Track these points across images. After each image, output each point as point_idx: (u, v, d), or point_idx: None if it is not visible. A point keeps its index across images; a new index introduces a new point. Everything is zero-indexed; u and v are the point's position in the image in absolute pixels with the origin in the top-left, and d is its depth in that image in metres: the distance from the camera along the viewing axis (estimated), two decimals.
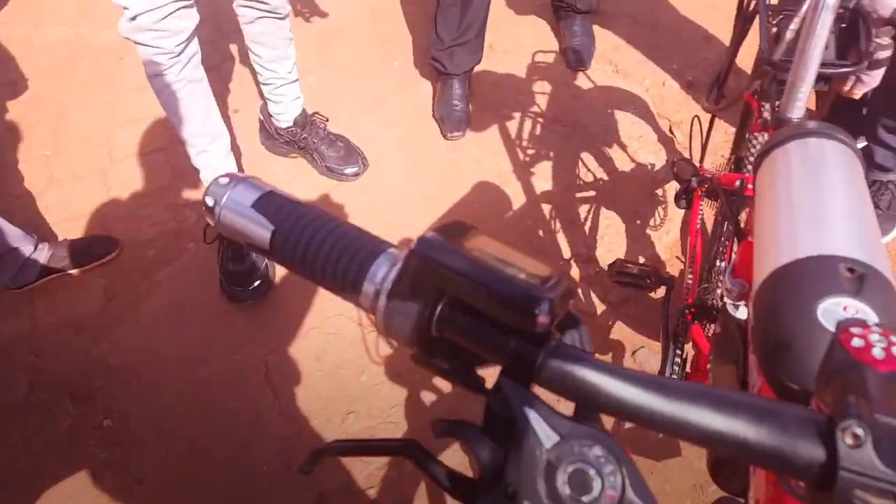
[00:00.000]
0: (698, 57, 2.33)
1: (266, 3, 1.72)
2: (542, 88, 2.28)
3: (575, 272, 1.81)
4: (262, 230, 0.45)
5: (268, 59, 1.87)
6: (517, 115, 2.20)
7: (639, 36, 2.41)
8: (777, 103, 1.04)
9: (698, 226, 1.46)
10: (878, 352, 0.34)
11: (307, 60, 2.32)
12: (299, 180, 2.10)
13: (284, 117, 2.04)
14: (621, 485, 0.35)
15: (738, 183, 1.11)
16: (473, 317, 0.39)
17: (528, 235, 1.90)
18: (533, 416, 0.37)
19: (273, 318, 1.79)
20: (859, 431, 0.31)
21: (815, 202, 0.66)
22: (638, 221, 1.91)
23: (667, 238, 1.88)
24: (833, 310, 0.53)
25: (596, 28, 2.40)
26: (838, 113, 1.53)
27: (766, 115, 1.10)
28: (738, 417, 0.34)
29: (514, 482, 0.36)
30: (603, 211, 1.92)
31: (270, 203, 0.46)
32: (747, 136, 1.26)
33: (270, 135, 2.12)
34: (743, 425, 0.34)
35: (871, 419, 0.31)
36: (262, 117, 2.13)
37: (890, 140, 1.71)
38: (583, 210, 1.93)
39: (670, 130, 2.14)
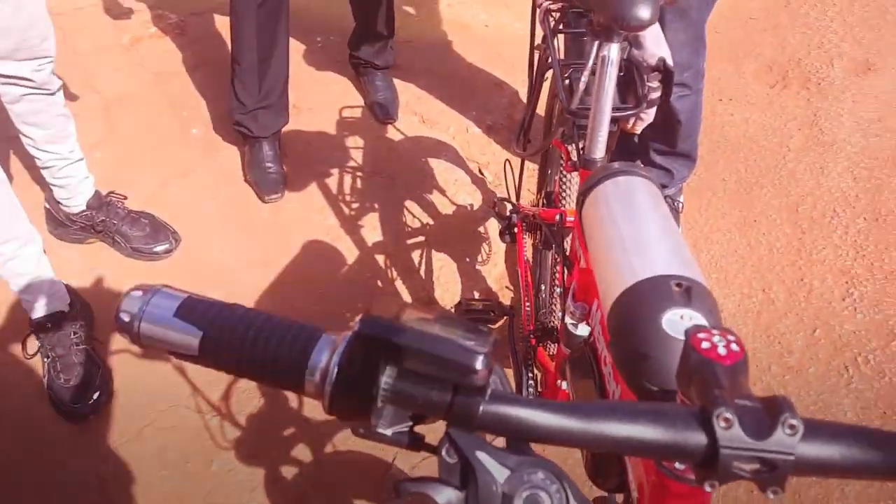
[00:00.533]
0: (493, 103, 2.60)
1: (31, 80, 1.61)
2: (355, 143, 2.39)
3: None
4: (189, 338, 0.47)
5: (43, 141, 1.75)
6: (335, 171, 2.28)
7: (437, 87, 2.62)
8: (581, 145, 1.24)
9: (526, 258, 1.63)
10: (721, 350, 0.45)
11: (91, 135, 2.21)
12: (103, 266, 1.98)
13: (74, 202, 1.91)
14: (566, 498, 0.43)
15: (557, 217, 1.28)
16: (417, 383, 0.44)
17: (368, 287, 1.97)
18: (484, 458, 0.43)
19: (97, 424, 1.66)
20: (729, 415, 0.40)
21: (636, 231, 0.83)
22: (467, 259, 2.07)
23: (495, 270, 2.05)
24: (674, 320, 0.67)
25: (396, 81, 2.57)
26: (619, 144, 1.82)
27: (573, 156, 1.29)
28: (638, 423, 0.43)
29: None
30: (434, 254, 2.06)
31: (193, 309, 0.48)
32: (560, 174, 1.45)
33: (61, 222, 1.98)
34: (642, 429, 0.42)
35: (733, 404, 0.41)
36: (48, 206, 1.98)
37: (661, 161, 2.05)
38: (415, 256, 2.05)
39: (480, 172, 2.35)
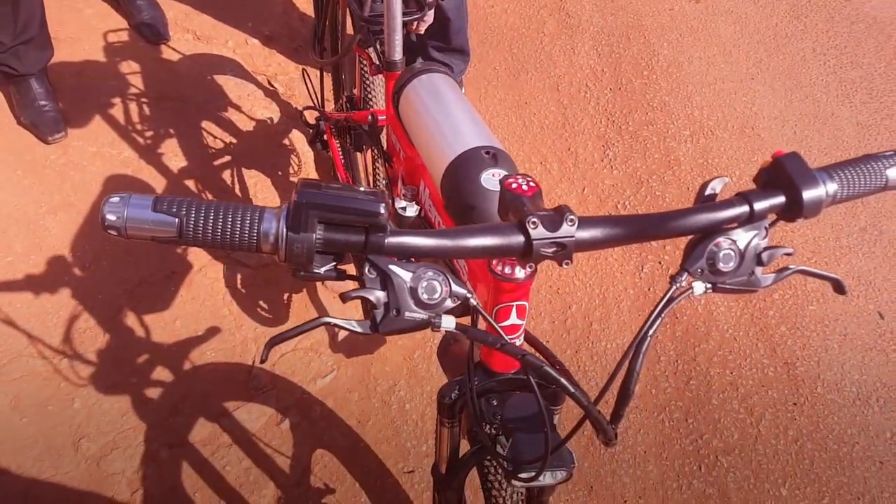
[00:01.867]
0: (267, 12, 2.81)
1: None
2: (130, 69, 2.49)
3: None
4: (168, 226, 0.64)
5: None
6: (117, 100, 2.38)
7: (204, 1, 2.76)
8: (381, 50, 1.58)
9: (342, 159, 1.97)
10: (525, 187, 0.78)
11: None
12: None
13: None
14: (448, 282, 0.78)
15: (370, 117, 1.63)
16: (340, 232, 0.67)
17: None
18: (395, 268, 0.74)
19: None
20: (535, 220, 0.74)
21: (447, 117, 1.23)
22: (279, 172, 2.35)
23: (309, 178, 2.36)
24: (488, 178, 1.07)
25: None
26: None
27: (375, 60, 1.63)
28: (483, 236, 0.74)
29: (395, 306, 0.74)
30: (245, 171, 2.30)
31: (165, 203, 0.66)
32: (364, 79, 1.78)
33: None
34: (486, 239, 0.74)
35: (537, 214, 0.75)
36: None
37: (440, 58, 2.46)
38: (226, 176, 2.29)
39: (269, 84, 2.59)
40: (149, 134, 2.33)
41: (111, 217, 0.64)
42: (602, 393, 0.78)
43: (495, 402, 1.01)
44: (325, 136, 2.05)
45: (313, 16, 2.87)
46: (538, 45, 2.95)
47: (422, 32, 1.70)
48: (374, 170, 1.86)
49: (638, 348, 0.78)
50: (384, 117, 1.61)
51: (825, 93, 2.90)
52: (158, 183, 2.22)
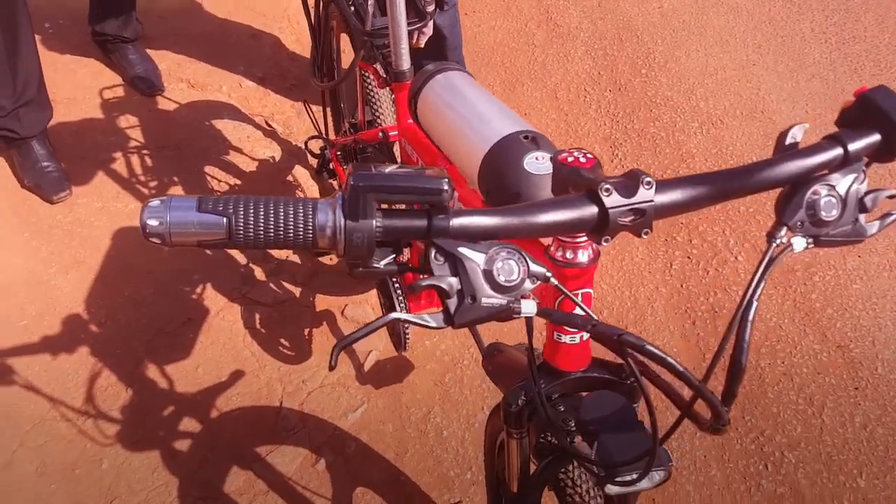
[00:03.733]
0: (256, 55, 2.80)
1: None
2: (128, 123, 2.47)
3: (258, 272, 2.14)
4: (216, 228, 0.60)
5: None
6: (118, 154, 2.36)
7: (195, 50, 2.75)
8: (387, 63, 1.55)
9: None
10: (582, 159, 0.73)
11: None
12: None
13: None
14: (525, 261, 0.71)
15: (381, 135, 1.59)
16: (400, 217, 0.62)
17: (200, 259, 2.14)
18: (464, 251, 0.67)
19: None
20: (609, 186, 0.65)
21: (474, 109, 1.17)
22: None
23: None
24: (531, 161, 1.01)
25: (150, 52, 2.67)
26: None
27: (382, 74, 1.60)
28: (552, 211, 0.66)
29: (470, 292, 0.67)
30: None
31: (210, 203, 0.61)
32: (372, 95, 1.74)
33: None
34: (555, 214, 0.69)
35: (594, 183, 0.69)
36: None
37: None
38: None
39: (267, 124, 2.57)
40: (153, 184, 2.31)
41: (153, 222, 0.59)
42: (710, 371, 0.70)
43: (561, 407, 0.93)
44: (332, 164, 2.02)
45: (310, 43, 2.90)
46: (530, 57, 2.93)
47: (422, 46, 1.66)
48: None
49: (744, 316, 0.70)
50: (395, 132, 1.57)
51: (831, 70, 2.85)
52: None
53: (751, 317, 0.70)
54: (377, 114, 1.72)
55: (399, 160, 1.54)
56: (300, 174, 2.40)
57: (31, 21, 2.12)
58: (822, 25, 3.07)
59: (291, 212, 0.60)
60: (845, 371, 1.91)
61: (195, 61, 2.72)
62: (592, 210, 0.66)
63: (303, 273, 2.16)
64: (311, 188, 2.37)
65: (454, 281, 0.65)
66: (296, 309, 2.08)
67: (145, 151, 2.39)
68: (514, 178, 1.00)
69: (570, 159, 0.73)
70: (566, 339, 0.91)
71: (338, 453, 1.80)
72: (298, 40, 2.93)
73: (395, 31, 1.42)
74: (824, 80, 2.79)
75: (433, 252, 0.65)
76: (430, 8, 1.54)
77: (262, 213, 0.60)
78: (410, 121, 1.51)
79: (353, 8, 1.58)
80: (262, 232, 0.60)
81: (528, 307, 0.67)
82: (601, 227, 0.66)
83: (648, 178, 0.65)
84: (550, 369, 0.94)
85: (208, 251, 2.11)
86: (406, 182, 0.62)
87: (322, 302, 2.10)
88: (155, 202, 0.60)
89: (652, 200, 0.66)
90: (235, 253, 2.16)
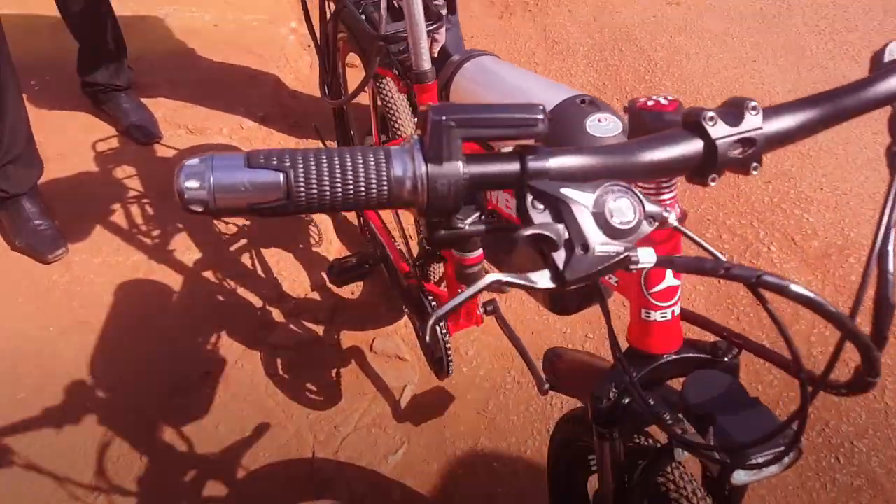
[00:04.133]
0: (256, 95, 2.56)
1: None
2: (126, 173, 2.21)
3: (276, 314, 1.85)
4: (271, 186, 0.45)
5: None
6: (116, 206, 2.09)
7: (191, 95, 2.51)
8: (406, 67, 1.31)
9: None
10: (663, 101, 0.62)
11: None
12: None
13: None
14: (640, 200, 0.51)
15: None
16: (489, 162, 0.49)
17: (212, 306, 1.85)
18: (569, 192, 0.50)
19: None
20: (713, 114, 0.54)
21: (516, 83, 0.98)
22: (300, 246, 2.04)
23: (332, 248, 2.06)
24: (593, 123, 0.81)
25: (144, 100, 2.42)
26: None
27: (403, 84, 1.35)
28: (653, 149, 0.54)
29: (581, 240, 0.49)
30: (265, 252, 2.00)
31: (262, 157, 0.46)
32: (390, 105, 1.49)
33: None
34: (656, 152, 0.54)
35: (695, 115, 0.54)
36: None
37: None
38: (245, 260, 1.97)
39: None
40: (155, 233, 2.03)
41: (193, 185, 0.45)
42: (854, 312, 0.56)
43: (651, 400, 0.74)
44: None
45: (309, 79, 2.68)
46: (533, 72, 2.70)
47: (435, 55, 1.41)
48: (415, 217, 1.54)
49: (882, 248, 0.57)
50: None
51: (830, 59, 2.66)
52: (174, 280, 1.90)
53: (890, 247, 0.58)
54: (396, 125, 1.46)
55: None
56: None
57: (17, 76, 1.87)
58: (814, 19, 2.91)
59: (361, 162, 0.47)
60: None
61: (192, 106, 2.47)
62: (697, 145, 0.54)
63: (324, 310, 1.88)
64: (324, 222, 2.11)
65: (561, 228, 0.50)
66: (320, 349, 1.79)
67: (146, 200, 2.12)
68: (578, 142, 0.81)
69: (649, 103, 0.62)
70: (657, 315, 0.75)
71: (383, 503, 1.50)
72: (298, 78, 2.70)
73: (413, 30, 1.20)
74: (825, 70, 2.61)
75: (530, 199, 0.50)
76: (443, 10, 1.31)
77: (325, 165, 0.47)
78: None
79: (363, 15, 1.36)
80: (327, 188, 0.46)
81: (647, 256, 0.52)
82: (708, 164, 0.54)
83: (754, 103, 0.54)
84: (639, 354, 0.77)
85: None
86: (498, 113, 0.50)
87: (348, 339, 1.82)
88: (193, 161, 0.47)
89: (761, 128, 0.55)
90: (250, 295, 1.88)
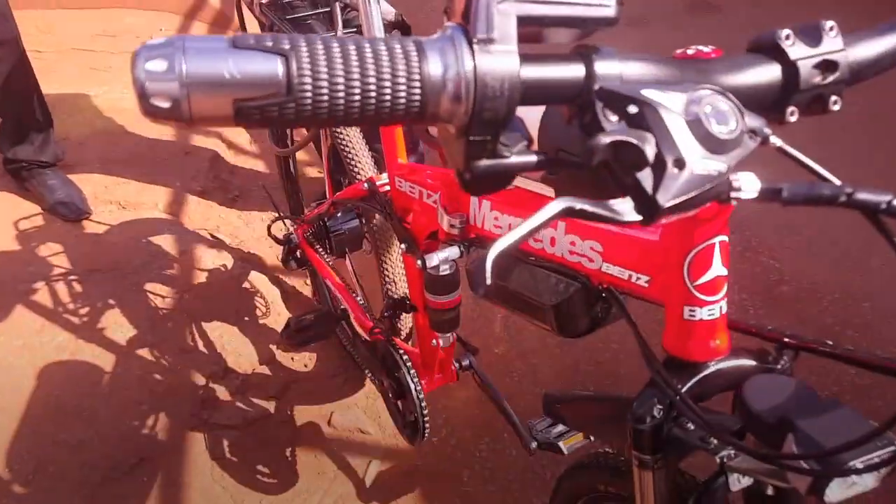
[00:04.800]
0: (194, 169, 2.46)
1: None
2: (52, 250, 2.05)
3: (221, 392, 1.69)
4: (266, 75, 0.35)
5: None
6: (40, 284, 1.92)
7: (123, 171, 2.39)
8: None
9: (330, 262, 1.56)
10: (705, 50, 0.53)
11: None
12: None
13: None
14: (738, 107, 0.44)
15: (366, 185, 1.27)
16: (548, 64, 0.42)
17: (147, 386, 1.68)
18: (652, 93, 0.41)
19: None
20: (789, 32, 0.47)
21: None
22: (246, 318, 1.90)
23: (280, 319, 1.93)
24: None
25: (72, 177, 2.29)
26: None
27: None
28: (729, 72, 0.47)
29: (674, 154, 0.40)
30: (206, 325, 1.85)
31: (249, 38, 0.36)
32: (346, 146, 1.42)
33: None
34: (734, 76, 0.47)
35: (771, 37, 0.48)
36: None
37: None
38: (186, 335, 1.82)
39: (212, 236, 2.20)
40: (83, 311, 1.86)
41: (157, 68, 0.34)
42: None
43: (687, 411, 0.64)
44: (300, 248, 1.66)
45: (249, 154, 2.60)
46: None
47: None
48: (379, 264, 1.44)
49: None
50: (385, 179, 1.25)
51: None
52: (104, 360, 1.73)
53: None
54: (355, 169, 1.39)
55: (393, 213, 1.20)
56: (258, 280, 2.02)
57: None
58: None
59: (385, 52, 0.37)
60: None
61: (125, 182, 2.35)
62: (775, 69, 0.47)
63: (275, 385, 1.73)
64: (271, 292, 1.99)
65: (650, 136, 0.41)
66: (272, 427, 1.64)
67: (73, 277, 1.96)
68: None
69: (690, 52, 0.53)
70: (703, 312, 0.64)
71: None
72: (238, 153, 2.62)
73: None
74: None
75: (600, 106, 0.41)
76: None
77: (337, 53, 0.37)
78: (402, 161, 1.21)
79: None
80: (340, 82, 0.36)
81: (750, 182, 0.44)
82: (788, 92, 0.47)
83: (831, 24, 0.48)
84: (680, 364, 0.66)
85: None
86: None
87: (303, 414, 1.67)
88: (157, 41, 0.36)
89: (843, 49, 0.48)
90: (192, 372, 1.72)
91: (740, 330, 0.69)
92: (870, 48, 0.51)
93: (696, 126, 0.42)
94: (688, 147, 0.41)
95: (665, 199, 0.40)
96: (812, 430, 0.54)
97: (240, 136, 2.71)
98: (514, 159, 0.43)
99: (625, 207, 0.41)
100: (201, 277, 2.00)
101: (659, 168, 0.40)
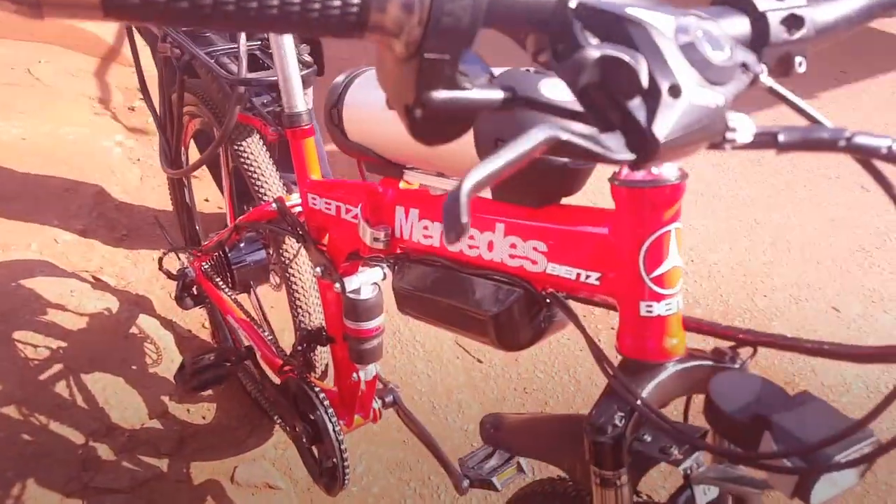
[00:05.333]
0: (75, 206, 2.24)
1: None
2: None
3: (104, 451, 1.48)
4: None
5: None
6: None
7: None
8: (278, 109, 1.16)
9: (231, 297, 1.40)
10: None
11: None
12: None
13: None
14: (731, 41, 0.38)
15: (274, 205, 1.14)
16: None
17: (15, 449, 1.45)
18: (642, 13, 0.36)
19: None
20: None
21: None
22: (133, 367, 1.70)
23: (174, 366, 1.73)
24: (550, 89, 0.67)
25: None
26: None
27: (272, 129, 1.18)
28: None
29: (670, 80, 0.35)
30: (86, 378, 1.63)
31: None
32: (250, 165, 1.29)
33: None
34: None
35: None
36: None
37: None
38: (62, 389, 1.59)
39: (95, 278, 1.98)
40: None
41: None
42: None
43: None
44: (198, 283, 1.49)
45: (138, 189, 2.40)
46: None
47: (309, 106, 1.25)
48: (290, 294, 1.30)
49: None
50: (296, 199, 1.14)
51: None
52: None
53: None
54: (261, 188, 1.26)
55: (307, 234, 1.08)
56: (147, 325, 1.82)
57: None
58: None
59: None
60: None
61: None
62: (744, 22, 0.45)
63: (169, 440, 1.54)
64: (163, 337, 1.80)
65: (641, 60, 0.35)
66: (165, 488, 1.44)
67: None
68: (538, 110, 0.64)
69: None
70: (660, 308, 0.59)
71: None
72: (126, 191, 2.41)
73: (284, 67, 1.06)
74: None
75: (578, 26, 0.35)
76: (307, 57, 1.19)
77: None
78: (315, 178, 1.10)
79: (213, 60, 1.20)
80: None
81: (746, 124, 0.39)
82: (758, 46, 0.45)
83: None
84: (637, 366, 0.60)
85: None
86: None
87: (202, 471, 1.48)
88: None
89: (806, 4, 0.47)
90: (70, 430, 1.50)
91: (694, 329, 0.64)
92: (830, 10, 0.50)
93: (690, 50, 0.37)
94: (683, 73, 0.36)
95: (662, 132, 0.34)
96: (790, 426, 0.50)
97: (128, 173, 2.51)
98: (477, 93, 0.35)
99: (615, 143, 0.34)
100: (81, 323, 1.78)
101: (652, 96, 0.35)
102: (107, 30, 3.36)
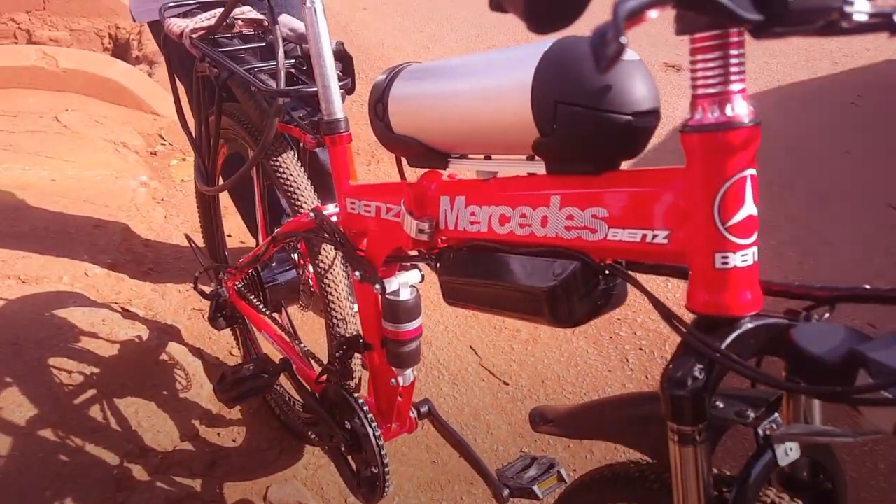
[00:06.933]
0: (104, 242, 2.31)
1: None
2: None
3: (138, 472, 1.51)
4: None
5: None
6: None
7: (23, 245, 2.21)
8: (313, 124, 1.22)
9: (266, 314, 1.45)
10: None
11: None
12: None
13: None
14: None
15: (312, 215, 1.19)
16: None
17: (52, 469, 1.48)
18: None
19: None
20: None
21: (481, 56, 0.82)
22: (164, 392, 1.74)
23: (204, 392, 1.77)
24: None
25: None
26: None
27: (312, 137, 1.24)
28: None
29: None
30: (119, 402, 1.67)
31: None
32: (286, 178, 1.35)
33: None
34: None
35: None
36: None
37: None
38: (96, 413, 1.63)
39: (125, 309, 2.04)
40: None
41: None
42: None
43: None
44: (231, 302, 1.55)
45: (162, 230, 2.48)
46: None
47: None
48: (325, 304, 1.34)
49: None
50: (334, 209, 1.19)
51: None
52: (1, 443, 1.52)
53: None
54: (297, 201, 1.32)
55: (345, 239, 1.13)
56: (176, 352, 1.87)
57: None
58: None
59: None
60: None
61: (25, 255, 2.17)
62: None
63: (201, 462, 1.57)
64: (191, 364, 1.84)
65: None
66: None
67: None
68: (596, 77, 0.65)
69: None
70: (737, 259, 0.57)
71: None
72: (151, 228, 2.49)
73: (323, 75, 1.12)
74: None
75: None
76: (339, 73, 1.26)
77: None
78: (354, 182, 1.15)
79: (252, 75, 1.27)
80: None
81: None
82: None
83: None
84: (712, 322, 0.59)
85: None
86: None
87: (234, 491, 1.51)
88: None
89: None
90: (104, 452, 1.53)
91: (763, 290, 0.62)
92: None
93: None
94: None
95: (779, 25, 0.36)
96: (887, 360, 0.49)
97: (153, 212, 2.59)
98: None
99: (742, 5, 0.36)
100: (112, 350, 1.83)
101: None
102: (130, 80, 3.51)
